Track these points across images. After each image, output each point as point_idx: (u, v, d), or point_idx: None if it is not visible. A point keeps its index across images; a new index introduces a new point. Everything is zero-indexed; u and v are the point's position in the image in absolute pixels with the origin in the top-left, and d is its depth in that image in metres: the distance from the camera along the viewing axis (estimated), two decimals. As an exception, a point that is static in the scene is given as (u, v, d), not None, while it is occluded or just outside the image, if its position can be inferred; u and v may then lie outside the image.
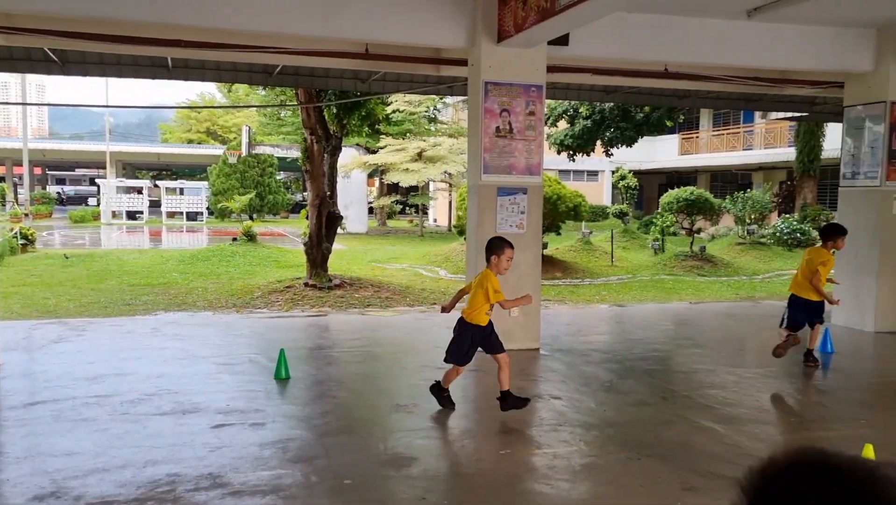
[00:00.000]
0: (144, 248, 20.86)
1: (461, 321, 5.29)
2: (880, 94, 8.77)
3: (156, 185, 41.78)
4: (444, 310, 5.61)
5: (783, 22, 8.31)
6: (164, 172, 56.50)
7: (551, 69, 8.30)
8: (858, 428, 5.25)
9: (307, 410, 5.50)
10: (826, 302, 6.88)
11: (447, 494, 4.00)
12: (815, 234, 20.01)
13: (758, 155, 30.92)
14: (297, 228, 27.20)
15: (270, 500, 3.84)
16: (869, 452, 4.10)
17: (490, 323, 5.29)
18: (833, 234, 6.90)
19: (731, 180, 35.13)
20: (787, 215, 22.99)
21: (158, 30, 7.55)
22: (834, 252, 7.00)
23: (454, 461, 4.52)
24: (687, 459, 4.55)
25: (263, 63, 9.24)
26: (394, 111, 27.31)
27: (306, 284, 11.45)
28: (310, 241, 11.76)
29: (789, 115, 15.87)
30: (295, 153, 25.20)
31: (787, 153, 27.38)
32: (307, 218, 12.36)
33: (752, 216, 21.43)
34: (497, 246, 5.16)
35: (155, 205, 38.23)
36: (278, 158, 36.14)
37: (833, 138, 22.84)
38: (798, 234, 20.09)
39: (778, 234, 20.32)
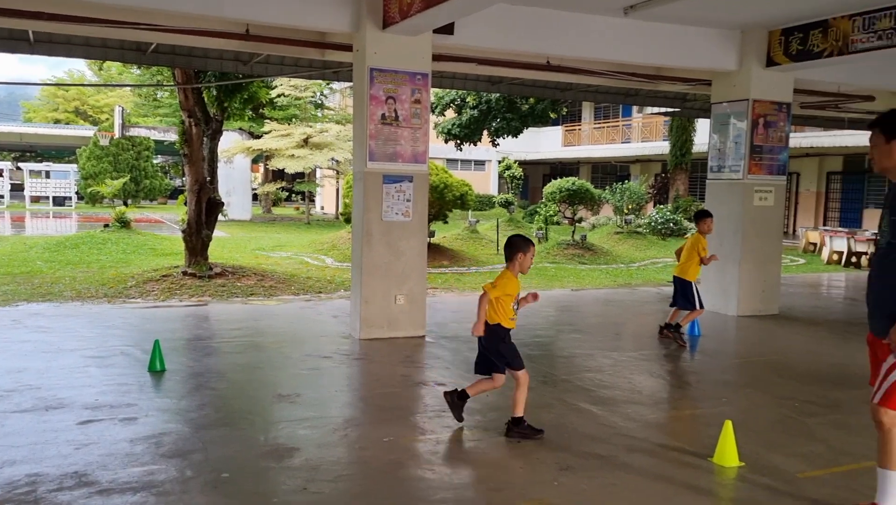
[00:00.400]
0: (5, 235, 19.43)
1: (496, 329, 4.71)
2: (743, 92, 9.35)
3: (18, 168, 38.97)
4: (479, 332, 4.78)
5: (657, 21, 8.70)
6: (28, 154, 52.75)
7: (437, 58, 8.33)
8: (720, 406, 5.60)
9: (183, 403, 5.30)
10: (696, 288, 7.79)
11: (328, 484, 3.96)
12: (687, 223, 21.18)
13: (635, 148, 32.30)
14: (175, 215, 26.11)
15: (141, 497, 3.67)
16: (728, 428, 4.37)
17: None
18: (698, 218, 7.90)
19: (610, 172, 36.58)
20: (662, 206, 24.14)
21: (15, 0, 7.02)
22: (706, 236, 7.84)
23: (337, 450, 4.47)
24: (564, 440, 4.71)
25: (136, 40, 8.78)
26: (278, 95, 26.65)
27: (185, 273, 11.01)
28: (188, 228, 11.31)
29: (663, 110, 16.64)
30: (173, 136, 24.12)
31: (662, 147, 28.74)
32: (185, 204, 11.87)
33: (630, 206, 22.40)
34: (523, 244, 4.82)
35: (17, 189, 35.68)
36: (155, 141, 34.42)
37: (703, 133, 24.18)
38: (671, 224, 21.15)
39: (653, 223, 21.32)
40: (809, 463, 4.42)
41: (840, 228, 20.82)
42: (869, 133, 3.73)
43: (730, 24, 9.01)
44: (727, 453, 4.34)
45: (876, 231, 4.02)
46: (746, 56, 9.28)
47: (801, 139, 24.18)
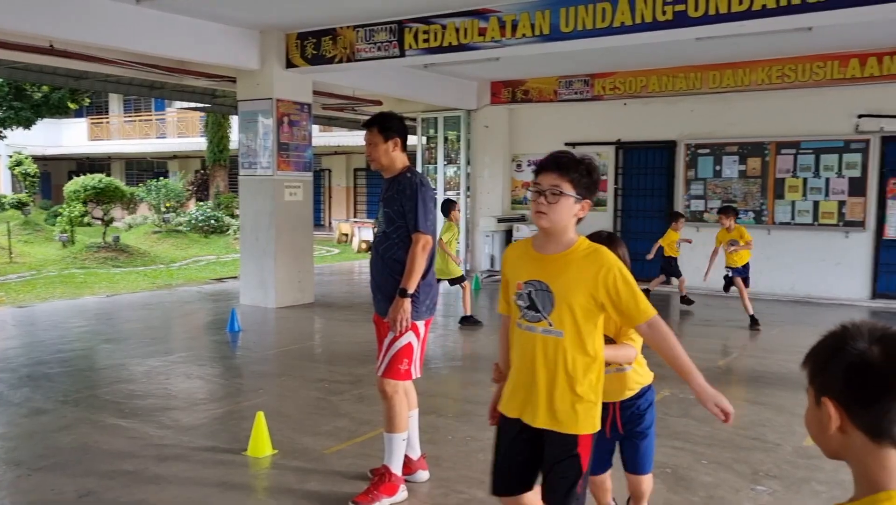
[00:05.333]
0: None
1: None
2: (267, 91, 9.66)
3: None
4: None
5: (175, 13, 8.43)
6: None
7: None
8: (257, 399, 5.71)
9: None
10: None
11: None
12: (228, 220, 21.21)
13: (172, 143, 31.21)
14: None
15: None
16: (260, 419, 4.47)
17: None
18: (671, 218, 10.47)
19: (147, 168, 34.68)
20: (203, 203, 23.81)
21: None
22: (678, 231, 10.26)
23: None
24: (86, 462, 4.29)
25: None
26: None
27: None
28: None
29: (193, 105, 16.37)
30: None
31: (200, 143, 28.28)
32: None
33: (168, 204, 21.58)
34: None
35: None
36: None
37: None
38: (212, 221, 20.97)
39: (194, 221, 20.88)
40: (335, 438, 4.77)
41: (367, 220, 23.12)
42: (364, 132, 4.08)
43: (249, 23, 9.20)
44: (260, 444, 4.43)
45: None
46: (267, 56, 9.59)
47: (330, 138, 26.11)
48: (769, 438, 4.88)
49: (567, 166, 2.48)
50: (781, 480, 4.17)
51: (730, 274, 9.07)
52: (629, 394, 3.05)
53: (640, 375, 3.07)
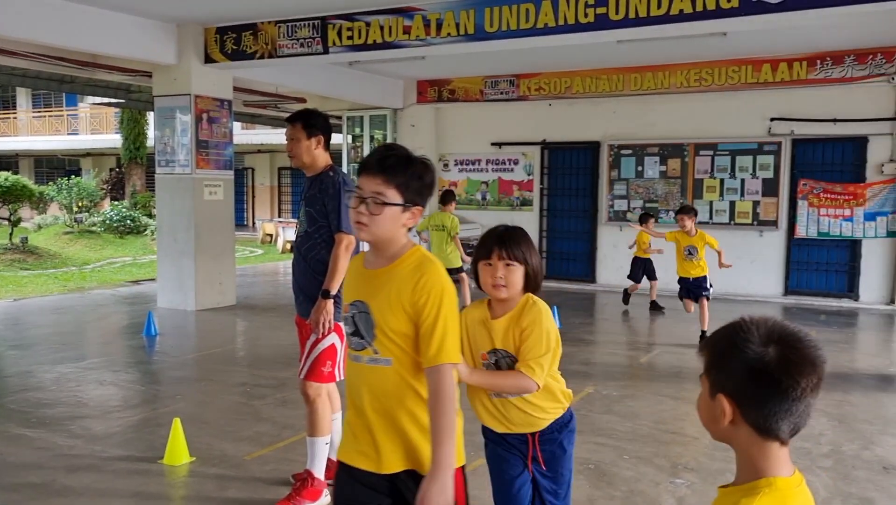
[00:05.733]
0: None
1: None
2: (185, 87, 9.35)
3: None
4: None
5: (85, 3, 8.06)
6: None
7: None
8: (174, 404, 5.51)
9: None
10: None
11: None
12: (145, 220, 20.48)
13: (85, 140, 29.94)
14: None
15: None
16: (177, 426, 4.29)
17: None
18: (641, 221, 9.86)
19: (58, 166, 33.16)
20: (118, 203, 22.96)
21: None
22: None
23: None
24: (-12, 478, 4.03)
25: None
26: None
27: None
28: None
29: (107, 100, 15.73)
30: None
31: (115, 140, 27.25)
32: None
33: (81, 204, 20.70)
34: None
35: None
36: None
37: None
38: (129, 221, 20.23)
39: (108, 221, 20.09)
40: (256, 444, 4.63)
41: (292, 220, 22.72)
42: (287, 128, 3.95)
43: (165, 16, 8.88)
44: (177, 452, 4.26)
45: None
46: (185, 51, 9.28)
47: (253, 136, 25.58)
48: (688, 431, 5.00)
49: (394, 169, 2.07)
50: (698, 473, 4.27)
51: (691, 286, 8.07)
52: (543, 424, 2.59)
53: (547, 404, 2.58)
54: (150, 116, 24.93)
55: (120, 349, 7.52)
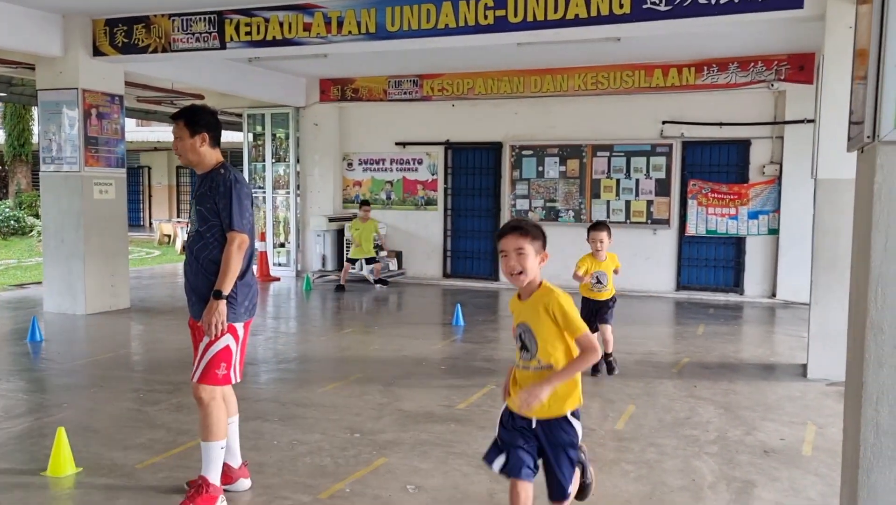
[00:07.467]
0: None
1: None
2: (72, 80, 8.90)
3: None
4: None
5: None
6: None
7: None
8: (60, 413, 5.24)
9: None
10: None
11: None
12: (31, 220, 19.41)
13: (-36, 137, 28.09)
14: None
15: None
16: (61, 435, 4.09)
17: None
18: (590, 229, 6.53)
19: (-67, 164, 30.99)
20: (1, 202, 21.64)
21: None
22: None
23: None
24: None
25: None
26: None
27: None
28: None
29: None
30: None
31: (-2, 136, 25.70)
32: None
33: (-41, 204, 19.40)
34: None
35: None
36: None
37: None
38: (13, 222, 19.13)
39: (-10, 222, 18.93)
40: (149, 451, 4.46)
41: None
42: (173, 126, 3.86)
43: (50, 6, 8.42)
44: (61, 463, 4.06)
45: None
46: (72, 43, 8.83)
47: (149, 133, 24.64)
48: (585, 423, 5.14)
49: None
50: (594, 463, 4.40)
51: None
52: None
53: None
54: (37, 111, 23.65)
55: (1, 356, 7.09)
